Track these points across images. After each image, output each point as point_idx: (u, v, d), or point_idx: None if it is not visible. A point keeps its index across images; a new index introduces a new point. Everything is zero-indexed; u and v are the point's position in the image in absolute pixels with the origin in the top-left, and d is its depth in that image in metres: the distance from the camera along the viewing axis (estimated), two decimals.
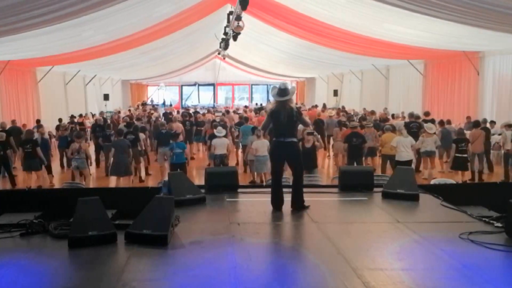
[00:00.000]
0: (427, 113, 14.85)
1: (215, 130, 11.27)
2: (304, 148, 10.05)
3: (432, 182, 7.73)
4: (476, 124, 11.70)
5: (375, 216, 5.44)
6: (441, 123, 12.77)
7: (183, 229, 4.70)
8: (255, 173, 11.14)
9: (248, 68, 32.04)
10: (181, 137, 11.62)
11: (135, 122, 14.97)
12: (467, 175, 11.14)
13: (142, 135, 12.48)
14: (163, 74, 31.41)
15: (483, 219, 4.96)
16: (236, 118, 17.85)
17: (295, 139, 5.76)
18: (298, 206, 5.55)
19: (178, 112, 23.86)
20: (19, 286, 3.48)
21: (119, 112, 23.94)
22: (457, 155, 10.66)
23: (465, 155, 10.59)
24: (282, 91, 5.64)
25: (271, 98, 6.30)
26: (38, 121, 15.82)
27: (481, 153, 11.38)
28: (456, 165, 10.76)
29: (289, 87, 5.75)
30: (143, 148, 12.30)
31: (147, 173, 12.53)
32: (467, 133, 11.81)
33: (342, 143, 11.47)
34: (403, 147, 10.40)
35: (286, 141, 5.60)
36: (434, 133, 11.67)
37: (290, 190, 5.71)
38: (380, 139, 10.99)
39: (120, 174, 10.21)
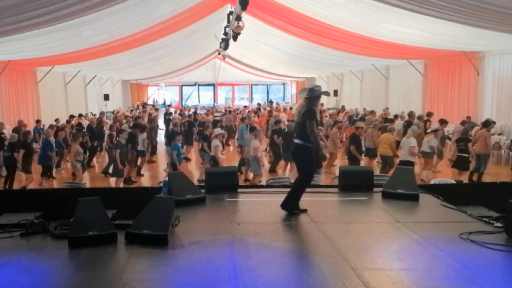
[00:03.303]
0: (429, 114, 14.87)
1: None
2: None
3: (432, 182, 7.73)
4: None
5: (375, 216, 5.43)
6: (441, 121, 12.66)
7: (183, 229, 4.70)
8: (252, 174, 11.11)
9: (248, 68, 32.07)
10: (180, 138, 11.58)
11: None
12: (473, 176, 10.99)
13: (143, 135, 12.47)
14: (164, 74, 31.44)
15: (483, 219, 4.96)
16: (238, 119, 17.93)
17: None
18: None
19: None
20: (19, 286, 3.48)
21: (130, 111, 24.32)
22: (458, 154, 10.66)
23: (465, 155, 10.56)
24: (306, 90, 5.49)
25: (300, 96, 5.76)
26: (38, 121, 15.82)
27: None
28: (455, 164, 10.77)
29: (311, 86, 5.58)
30: (144, 148, 12.31)
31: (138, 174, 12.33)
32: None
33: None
34: (402, 148, 10.44)
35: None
36: (426, 133, 11.55)
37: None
38: (379, 139, 10.95)
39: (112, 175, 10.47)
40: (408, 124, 13.26)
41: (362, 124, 11.77)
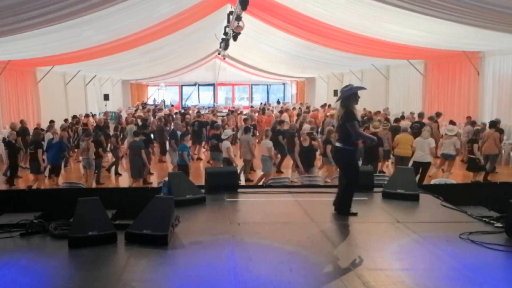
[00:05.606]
0: (438, 114, 14.86)
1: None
2: (301, 147, 10.13)
3: (432, 182, 7.73)
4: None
5: (375, 216, 5.43)
6: (452, 123, 12.71)
7: (183, 229, 4.70)
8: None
9: (248, 68, 32.03)
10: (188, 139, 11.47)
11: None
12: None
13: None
14: (164, 74, 31.41)
15: (483, 219, 4.97)
16: (234, 119, 17.91)
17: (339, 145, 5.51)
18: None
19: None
20: (19, 286, 3.48)
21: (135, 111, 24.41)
22: (468, 156, 10.70)
23: (472, 156, 10.52)
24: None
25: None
26: (51, 122, 15.75)
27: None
28: (468, 167, 10.80)
29: (341, 88, 5.54)
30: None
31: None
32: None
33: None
34: (420, 149, 10.04)
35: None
36: (455, 135, 11.33)
37: (289, 190, 5.67)
38: (395, 140, 10.86)
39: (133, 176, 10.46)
40: (419, 125, 13.26)
41: (378, 124, 11.80)
